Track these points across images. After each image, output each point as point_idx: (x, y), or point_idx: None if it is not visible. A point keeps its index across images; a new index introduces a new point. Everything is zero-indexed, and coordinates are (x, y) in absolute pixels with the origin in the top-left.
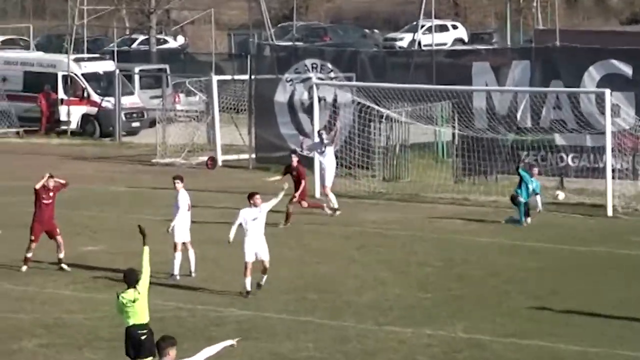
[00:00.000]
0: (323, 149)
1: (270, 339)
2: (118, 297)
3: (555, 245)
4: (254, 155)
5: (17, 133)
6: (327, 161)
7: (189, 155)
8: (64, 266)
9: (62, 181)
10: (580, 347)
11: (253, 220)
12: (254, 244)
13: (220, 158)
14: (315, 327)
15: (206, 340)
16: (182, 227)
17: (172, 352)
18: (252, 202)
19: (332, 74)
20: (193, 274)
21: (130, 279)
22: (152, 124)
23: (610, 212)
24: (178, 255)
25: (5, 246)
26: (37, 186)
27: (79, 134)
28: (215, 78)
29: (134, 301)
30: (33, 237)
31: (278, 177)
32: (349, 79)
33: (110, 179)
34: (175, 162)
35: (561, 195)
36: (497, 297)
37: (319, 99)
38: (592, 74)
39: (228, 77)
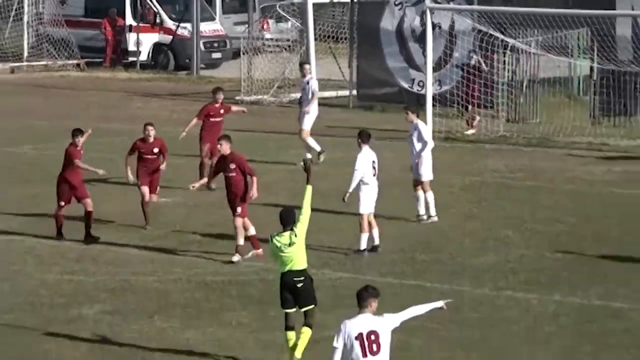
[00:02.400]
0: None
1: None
2: (272, 239)
3: None
4: (355, 92)
5: (78, 65)
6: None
7: (278, 92)
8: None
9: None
10: None
11: (374, 164)
12: (373, 194)
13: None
14: (425, 292)
15: None
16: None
17: (374, 304)
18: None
19: None
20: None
21: (287, 220)
22: (236, 55)
23: None
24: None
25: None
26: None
27: (149, 67)
28: (310, 0)
29: (289, 245)
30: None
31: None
32: (469, 2)
33: (186, 121)
34: (263, 99)
35: None
36: None
37: (433, 26)
38: None
39: (326, 0)
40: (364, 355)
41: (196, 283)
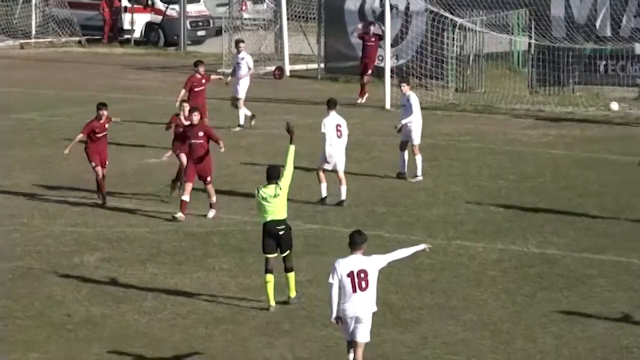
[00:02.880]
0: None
1: (338, 254)
2: (258, 191)
3: (633, 158)
4: (322, 65)
5: (79, 42)
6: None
7: (256, 65)
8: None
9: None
10: None
11: (339, 127)
12: (336, 154)
13: (288, 68)
14: (383, 242)
15: None
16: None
17: (364, 247)
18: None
19: None
20: None
21: (273, 174)
22: (218, 32)
23: None
24: None
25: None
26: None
27: (142, 43)
28: None
29: (274, 196)
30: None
31: None
32: None
33: (174, 90)
34: None
35: (615, 106)
36: (571, 211)
37: (391, 7)
38: None
39: None
40: (354, 291)
41: (183, 233)
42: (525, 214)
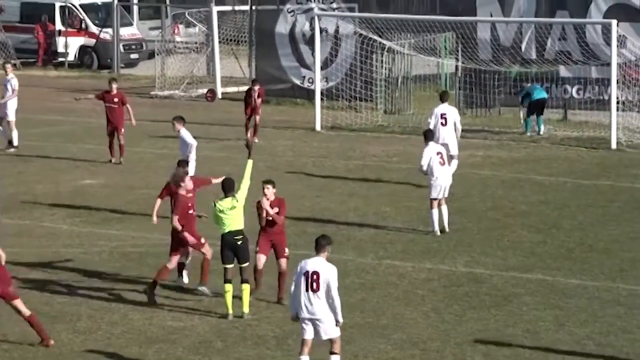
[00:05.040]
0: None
1: (268, 274)
2: (215, 205)
3: (558, 179)
4: None
5: (14, 65)
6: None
7: (188, 88)
8: None
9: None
10: (581, 280)
11: None
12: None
13: (220, 90)
14: None
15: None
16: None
17: (327, 250)
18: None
19: (334, 5)
20: None
21: (229, 187)
22: (151, 55)
23: (614, 145)
24: None
25: (6, 179)
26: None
27: (76, 66)
28: (215, 9)
29: (231, 208)
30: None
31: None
32: (352, 9)
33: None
34: (174, 94)
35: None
36: (499, 231)
37: (321, 30)
38: (599, 4)
39: (228, 8)
40: (306, 290)
41: (118, 254)
42: (454, 233)
